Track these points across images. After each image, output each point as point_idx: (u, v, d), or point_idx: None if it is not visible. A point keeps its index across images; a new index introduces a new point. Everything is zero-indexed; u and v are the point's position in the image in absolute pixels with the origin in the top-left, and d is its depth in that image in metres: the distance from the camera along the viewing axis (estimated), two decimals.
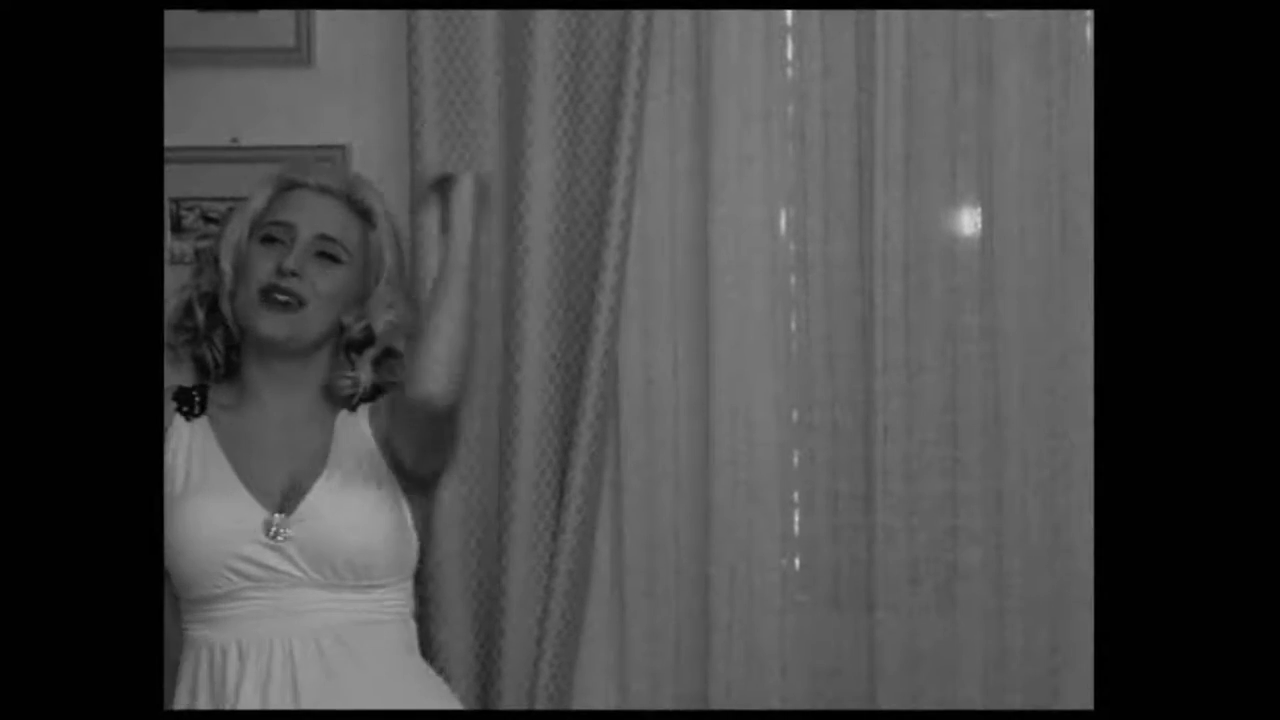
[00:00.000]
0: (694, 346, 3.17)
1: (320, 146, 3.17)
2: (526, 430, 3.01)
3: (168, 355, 2.66)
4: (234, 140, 3.20)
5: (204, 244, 2.99)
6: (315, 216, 2.69)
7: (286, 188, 2.72)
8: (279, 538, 2.52)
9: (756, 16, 3.13)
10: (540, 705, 2.98)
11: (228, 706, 2.48)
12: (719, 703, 3.17)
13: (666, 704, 3.20)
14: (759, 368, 3.17)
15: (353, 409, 2.71)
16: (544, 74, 3.05)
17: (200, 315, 2.66)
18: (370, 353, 2.69)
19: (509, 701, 2.99)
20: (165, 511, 2.47)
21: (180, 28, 3.13)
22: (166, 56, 3.01)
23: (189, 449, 2.59)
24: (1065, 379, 3.13)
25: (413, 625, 2.69)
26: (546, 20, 3.04)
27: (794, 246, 3.20)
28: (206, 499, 2.53)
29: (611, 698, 3.15)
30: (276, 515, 2.53)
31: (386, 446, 2.67)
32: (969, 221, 3.17)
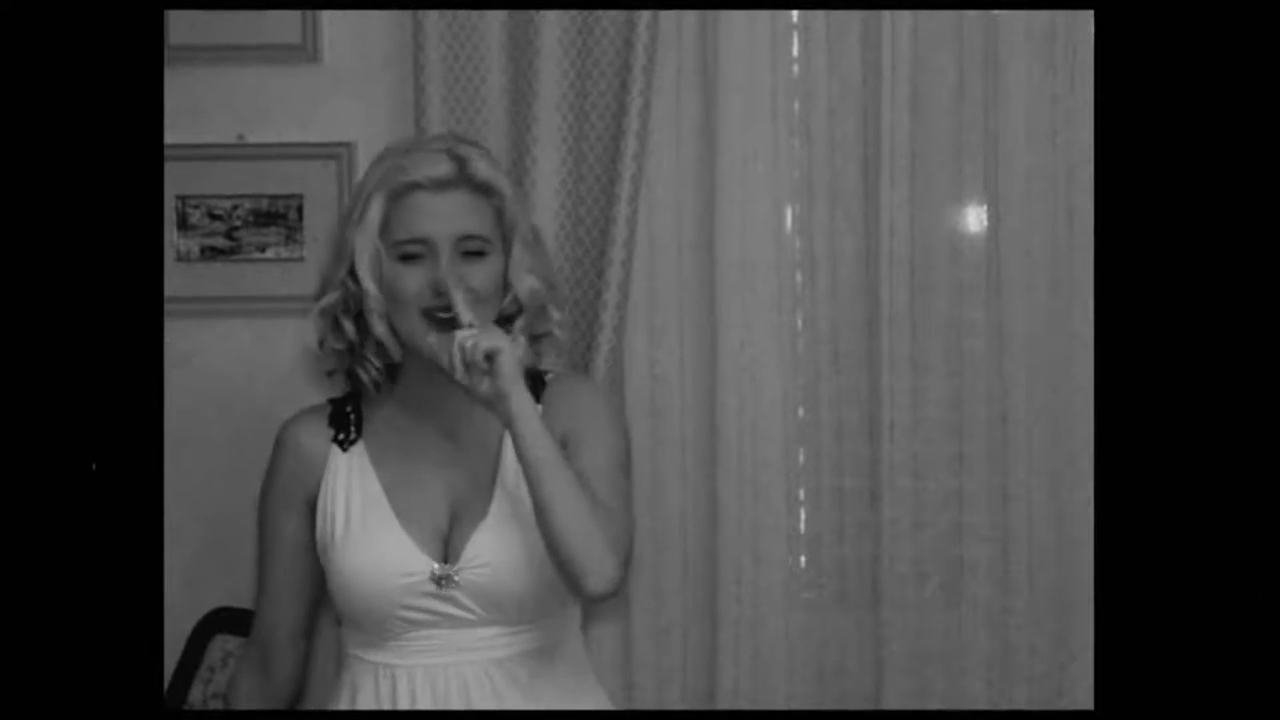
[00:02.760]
0: (700, 344, 3.18)
1: (326, 144, 3.18)
2: None
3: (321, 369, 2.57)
4: (240, 137, 3.21)
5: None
6: (447, 220, 2.46)
7: (400, 193, 2.47)
8: (446, 586, 2.43)
9: (762, 15, 3.13)
10: None
11: None
12: (725, 700, 3.18)
13: (673, 701, 3.21)
14: (765, 365, 3.17)
15: None
16: (550, 72, 3.05)
17: (351, 330, 2.50)
18: (520, 323, 2.52)
19: None
20: (326, 552, 2.46)
21: (187, 25, 3.15)
22: (173, 54, 3.05)
23: (347, 485, 2.50)
24: (1071, 375, 3.12)
25: (580, 637, 2.59)
26: (552, 19, 3.05)
27: (800, 244, 3.20)
28: (370, 550, 2.44)
29: (618, 695, 3.15)
30: (442, 566, 2.43)
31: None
32: (975, 218, 3.17)
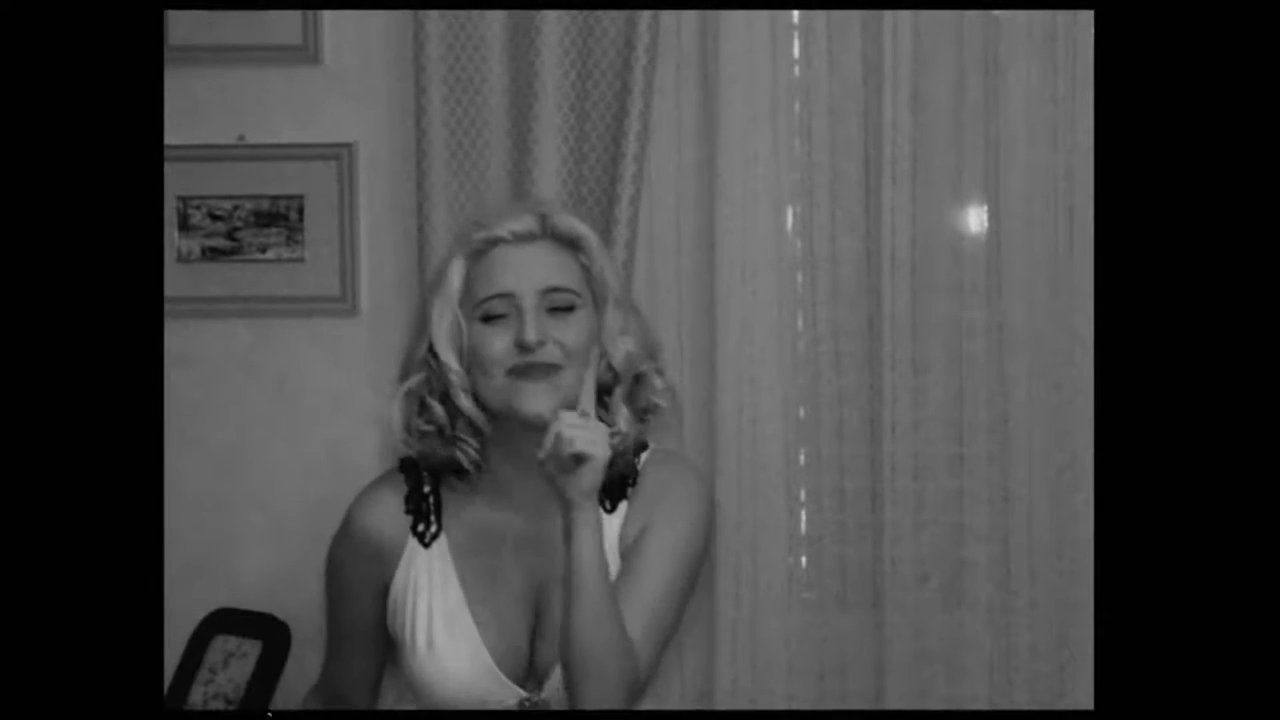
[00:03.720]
0: (701, 344, 3.18)
1: (327, 144, 3.18)
2: None
3: (410, 450, 2.41)
4: (241, 138, 3.21)
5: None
6: (530, 272, 2.35)
7: (481, 251, 2.38)
8: (530, 705, 2.37)
9: (763, 15, 3.13)
10: None
11: None
12: (725, 700, 3.18)
13: (673, 701, 3.21)
14: (766, 365, 3.17)
15: (612, 506, 2.42)
16: (551, 73, 3.05)
17: (439, 411, 2.37)
18: (619, 391, 2.40)
19: None
20: (402, 657, 2.41)
21: (187, 26, 3.15)
22: (174, 54, 3.05)
23: (428, 588, 2.40)
24: (1072, 376, 3.12)
25: None
26: (553, 19, 3.05)
27: (800, 244, 3.20)
28: (454, 669, 2.37)
29: None
30: (529, 697, 2.37)
31: None
32: (975, 219, 3.17)
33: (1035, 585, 3.16)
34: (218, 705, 3.10)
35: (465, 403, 2.35)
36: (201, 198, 3.20)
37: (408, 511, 2.44)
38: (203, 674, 3.12)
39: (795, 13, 3.16)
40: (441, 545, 2.42)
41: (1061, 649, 3.16)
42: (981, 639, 3.17)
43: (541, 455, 2.25)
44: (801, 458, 3.22)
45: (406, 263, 3.16)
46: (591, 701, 2.27)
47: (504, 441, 2.38)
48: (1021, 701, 3.16)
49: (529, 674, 2.39)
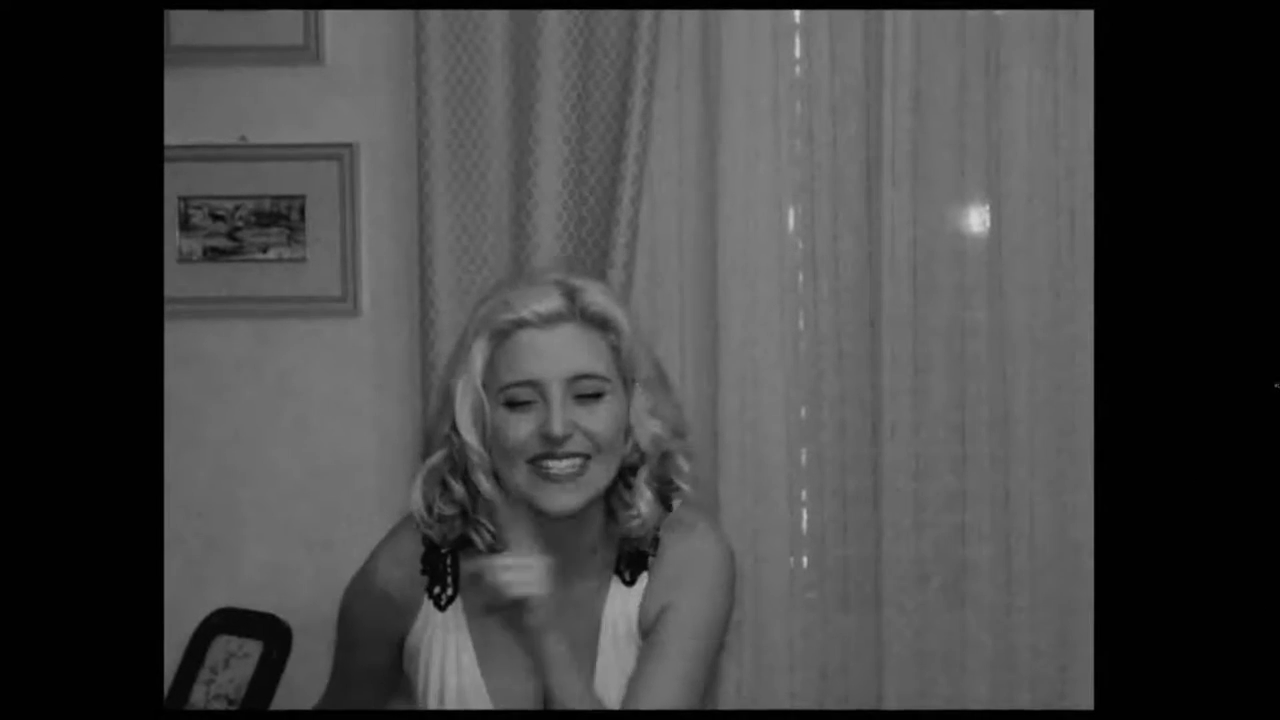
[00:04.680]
0: (702, 344, 3.18)
1: (328, 145, 3.18)
2: None
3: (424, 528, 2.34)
4: (242, 138, 3.20)
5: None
6: (557, 358, 2.24)
7: (505, 332, 2.27)
8: None
9: (764, 15, 3.13)
10: None
11: None
12: (728, 700, 3.18)
13: None
14: (767, 365, 3.17)
15: (631, 579, 2.38)
16: (552, 73, 3.05)
17: (460, 491, 2.30)
18: (644, 473, 2.32)
19: None
20: (421, 702, 2.37)
21: (189, 26, 3.15)
22: (176, 54, 3.06)
23: (441, 652, 2.35)
24: (1073, 376, 3.12)
25: None
26: (554, 19, 3.05)
27: (802, 244, 3.20)
28: None
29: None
30: None
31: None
32: (977, 219, 3.17)
33: (1036, 585, 3.16)
34: (219, 705, 3.10)
35: (486, 485, 2.28)
36: (203, 198, 3.20)
37: (423, 572, 2.37)
38: (204, 674, 3.12)
39: (797, 13, 3.16)
40: (457, 610, 2.36)
41: (1062, 649, 3.16)
42: (983, 639, 3.17)
43: (481, 602, 2.24)
44: (803, 458, 3.22)
45: (408, 263, 3.16)
46: None
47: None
48: (1022, 702, 3.16)
49: None
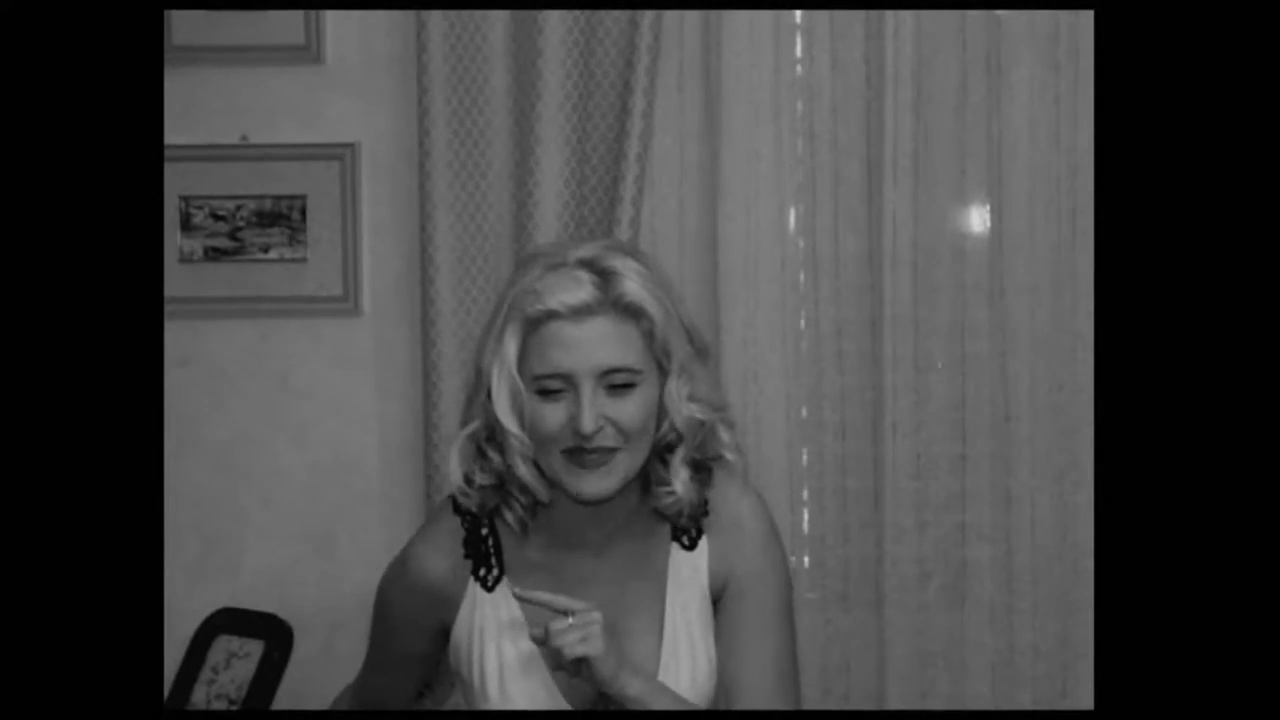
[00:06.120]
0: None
1: (330, 144, 3.19)
2: None
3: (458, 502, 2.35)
4: (243, 138, 3.21)
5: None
6: (588, 351, 2.22)
7: (537, 321, 2.24)
8: None
9: (765, 15, 3.13)
10: None
11: None
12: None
13: None
14: (768, 365, 3.17)
15: (691, 543, 2.37)
16: (553, 72, 3.05)
17: (498, 460, 2.29)
18: (681, 453, 2.32)
19: None
20: (472, 698, 2.35)
21: (190, 26, 3.16)
22: (177, 54, 3.06)
23: (497, 634, 2.33)
24: (1074, 376, 3.12)
25: None
26: (555, 19, 3.05)
27: (803, 244, 3.20)
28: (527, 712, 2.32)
29: None
30: None
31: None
32: (978, 219, 3.17)
33: (1037, 585, 3.16)
34: (220, 705, 3.10)
35: (524, 469, 2.27)
36: (204, 198, 3.20)
37: (467, 555, 2.35)
38: (205, 674, 3.12)
39: (798, 12, 3.17)
40: (505, 589, 2.34)
41: (1064, 649, 3.17)
42: (984, 639, 3.17)
43: (550, 667, 2.26)
44: (804, 457, 3.22)
45: (409, 263, 3.16)
46: None
47: (567, 499, 2.32)
48: (1024, 701, 3.16)
49: (601, 706, 2.33)
